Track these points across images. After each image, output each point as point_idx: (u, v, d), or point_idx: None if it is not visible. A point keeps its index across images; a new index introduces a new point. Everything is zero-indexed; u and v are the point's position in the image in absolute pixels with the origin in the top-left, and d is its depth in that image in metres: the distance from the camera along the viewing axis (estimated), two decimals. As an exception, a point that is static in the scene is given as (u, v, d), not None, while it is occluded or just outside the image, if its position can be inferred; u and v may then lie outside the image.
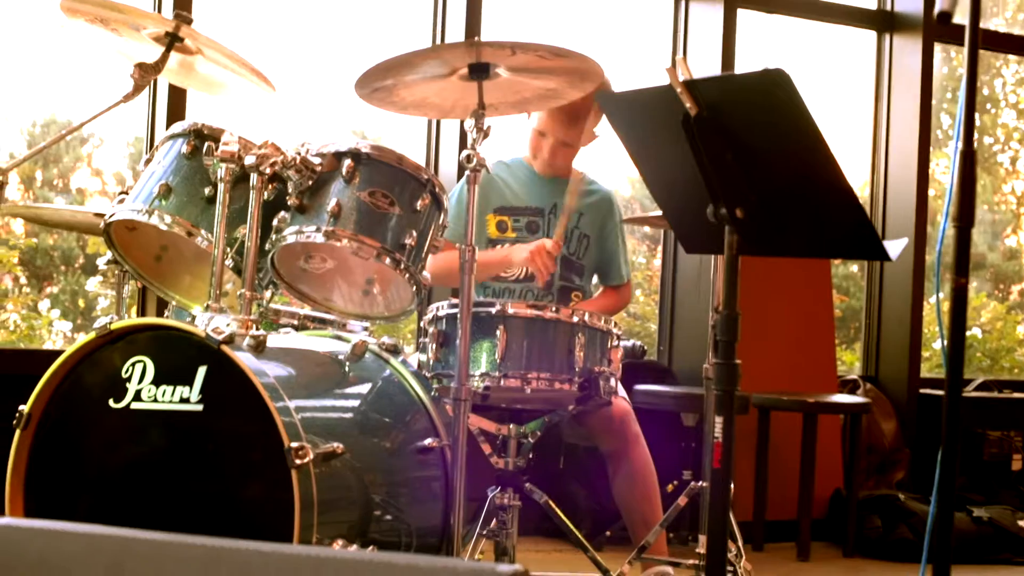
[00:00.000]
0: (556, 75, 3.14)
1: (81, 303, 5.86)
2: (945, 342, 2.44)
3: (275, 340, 2.93)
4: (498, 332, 3.12)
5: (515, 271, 3.95)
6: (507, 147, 4.19)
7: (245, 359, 2.67)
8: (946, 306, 2.44)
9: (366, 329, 3.37)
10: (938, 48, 6.78)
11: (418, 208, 3.06)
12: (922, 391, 6.44)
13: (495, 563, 1.25)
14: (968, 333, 7.24)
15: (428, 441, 3.03)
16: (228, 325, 2.78)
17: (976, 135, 2.29)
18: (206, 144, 2.99)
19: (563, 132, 3.99)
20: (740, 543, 3.70)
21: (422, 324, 3.33)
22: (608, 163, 6.21)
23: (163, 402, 2.74)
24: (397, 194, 3.04)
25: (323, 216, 2.96)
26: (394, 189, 3.04)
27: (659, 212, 3.29)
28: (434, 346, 3.21)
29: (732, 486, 3.03)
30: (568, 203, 3.89)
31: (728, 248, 2.59)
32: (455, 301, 3.09)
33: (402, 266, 3.01)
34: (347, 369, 3.06)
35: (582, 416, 3.64)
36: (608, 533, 4.67)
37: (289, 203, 3.00)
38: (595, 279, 4.23)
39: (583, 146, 4.08)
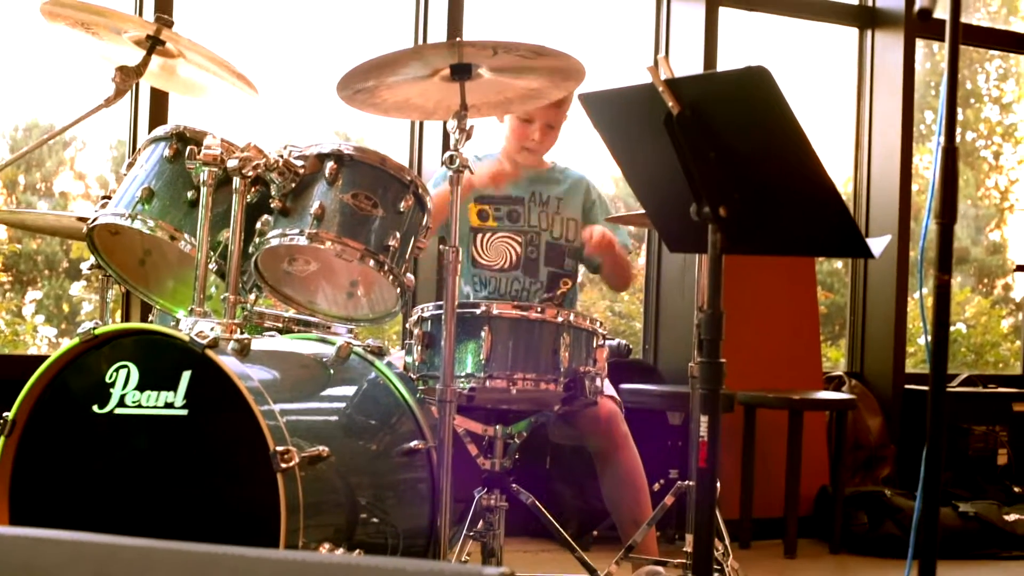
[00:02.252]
0: (538, 75, 3.14)
1: (65, 308, 5.84)
2: (929, 338, 2.44)
3: (259, 343, 2.92)
4: (483, 333, 3.12)
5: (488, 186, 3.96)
6: (483, 144, 4.20)
7: (229, 363, 2.67)
8: (930, 302, 2.44)
9: (350, 331, 3.37)
10: (920, 43, 6.80)
11: (401, 209, 3.06)
12: (907, 387, 6.45)
13: (481, 565, 1.25)
14: (952, 328, 7.26)
15: (414, 443, 3.02)
16: (212, 329, 2.78)
17: (959, 130, 2.29)
18: (188, 147, 2.98)
19: (551, 115, 4.02)
20: (727, 542, 3.70)
21: (407, 326, 3.33)
22: (591, 161, 6.21)
23: (148, 407, 2.73)
24: (380, 196, 3.03)
25: (306, 219, 2.95)
26: (377, 191, 3.03)
27: (642, 211, 3.29)
28: (419, 347, 3.21)
29: (718, 485, 3.03)
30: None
31: (712, 247, 2.59)
32: (440, 303, 3.09)
33: (386, 268, 3.00)
34: (332, 372, 3.06)
35: (569, 416, 3.64)
36: (595, 533, 4.67)
37: (272, 206, 2.99)
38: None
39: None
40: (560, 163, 4.24)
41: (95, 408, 2.79)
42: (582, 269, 4.23)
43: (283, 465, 2.56)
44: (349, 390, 3.10)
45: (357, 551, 2.77)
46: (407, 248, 3.08)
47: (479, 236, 4.05)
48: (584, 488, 5.31)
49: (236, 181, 2.91)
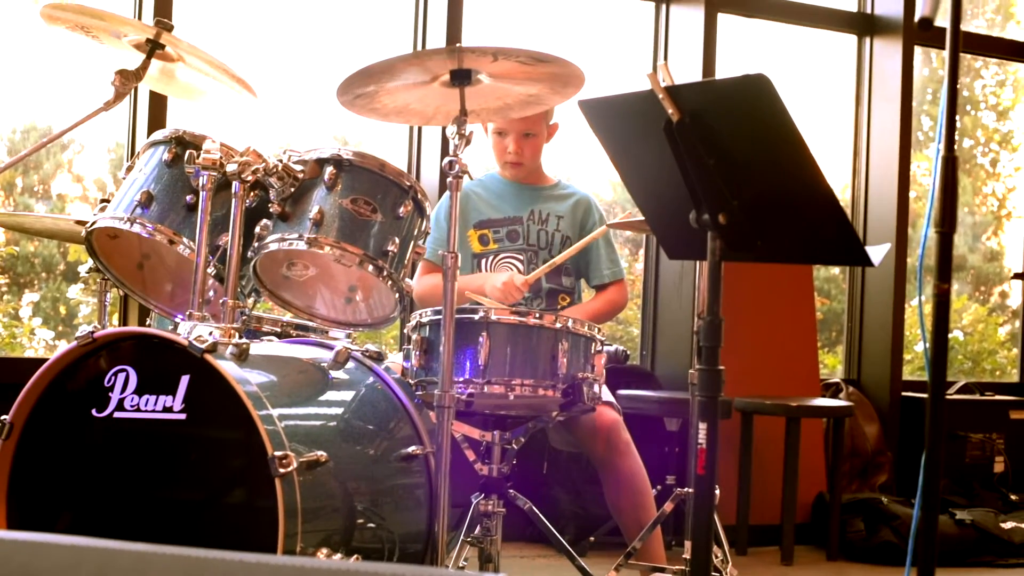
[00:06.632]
0: (538, 81, 3.14)
1: (63, 310, 5.83)
2: (927, 345, 2.44)
3: (258, 348, 2.92)
4: (481, 339, 3.12)
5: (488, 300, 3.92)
6: (480, 164, 4.19)
7: (228, 368, 2.66)
8: (928, 309, 2.44)
9: (349, 336, 3.37)
10: (918, 50, 6.80)
11: (400, 215, 3.06)
12: (904, 394, 6.45)
13: (479, 572, 1.25)
14: (949, 335, 7.26)
15: (412, 448, 3.02)
16: (211, 333, 2.78)
17: (956, 137, 2.29)
18: (188, 151, 2.98)
19: (521, 122, 3.99)
20: (726, 549, 3.70)
21: (406, 331, 3.33)
22: (589, 167, 6.22)
23: (146, 411, 2.73)
24: (379, 201, 3.03)
25: (305, 223, 2.96)
26: (376, 196, 3.04)
27: (641, 217, 3.29)
28: (417, 353, 3.21)
29: (717, 492, 3.03)
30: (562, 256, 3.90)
31: (711, 254, 2.59)
32: (438, 308, 3.08)
33: (384, 273, 3.00)
34: (330, 377, 3.05)
35: (569, 423, 3.64)
36: (592, 538, 4.67)
37: (271, 210, 3.00)
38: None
39: (547, 140, 4.09)
40: (565, 180, 4.21)
41: (93, 412, 2.79)
42: (581, 284, 4.21)
43: (281, 470, 2.56)
44: (347, 395, 3.10)
45: (355, 556, 2.77)
46: (406, 253, 3.08)
47: (483, 260, 4.05)
48: (581, 494, 5.31)
49: (235, 185, 2.91)
